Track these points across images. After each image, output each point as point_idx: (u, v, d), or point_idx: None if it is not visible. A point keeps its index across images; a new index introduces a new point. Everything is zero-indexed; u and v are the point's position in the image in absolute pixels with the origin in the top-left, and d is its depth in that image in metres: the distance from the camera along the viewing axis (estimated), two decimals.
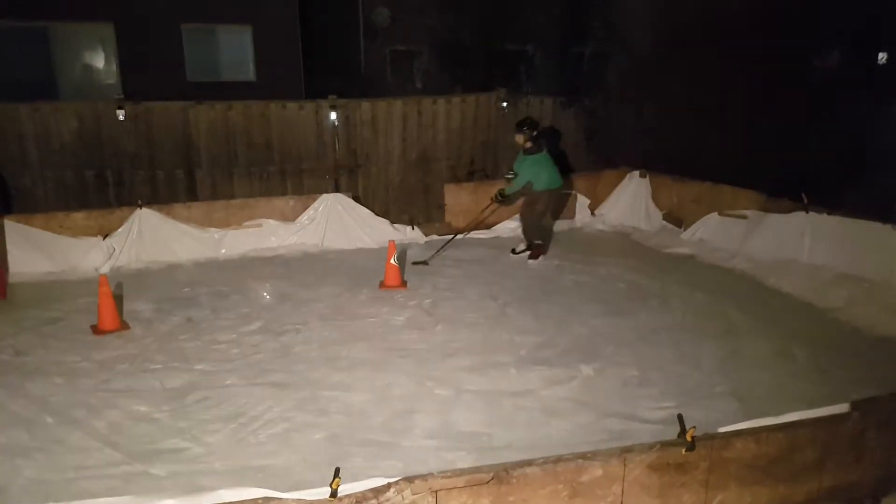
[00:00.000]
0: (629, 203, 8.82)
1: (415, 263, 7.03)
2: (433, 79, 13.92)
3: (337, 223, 7.94)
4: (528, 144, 7.18)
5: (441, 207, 8.71)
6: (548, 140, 7.62)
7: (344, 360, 4.92)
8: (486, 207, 7.71)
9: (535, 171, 7.14)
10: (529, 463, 2.68)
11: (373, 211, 8.21)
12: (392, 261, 6.42)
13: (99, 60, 13.74)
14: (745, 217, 7.32)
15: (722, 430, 2.93)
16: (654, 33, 9.26)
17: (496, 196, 7.44)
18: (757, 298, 6.08)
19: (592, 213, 9.03)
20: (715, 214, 7.69)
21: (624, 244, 8.24)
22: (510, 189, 7.30)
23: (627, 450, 2.77)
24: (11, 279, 6.41)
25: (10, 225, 6.70)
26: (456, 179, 8.92)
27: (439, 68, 13.65)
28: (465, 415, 4.11)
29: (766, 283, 6.42)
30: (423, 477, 2.57)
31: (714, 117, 8.37)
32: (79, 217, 7.10)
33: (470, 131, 9.10)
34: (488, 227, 8.49)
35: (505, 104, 9.15)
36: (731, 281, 6.62)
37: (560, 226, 8.69)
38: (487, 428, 3.96)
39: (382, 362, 4.86)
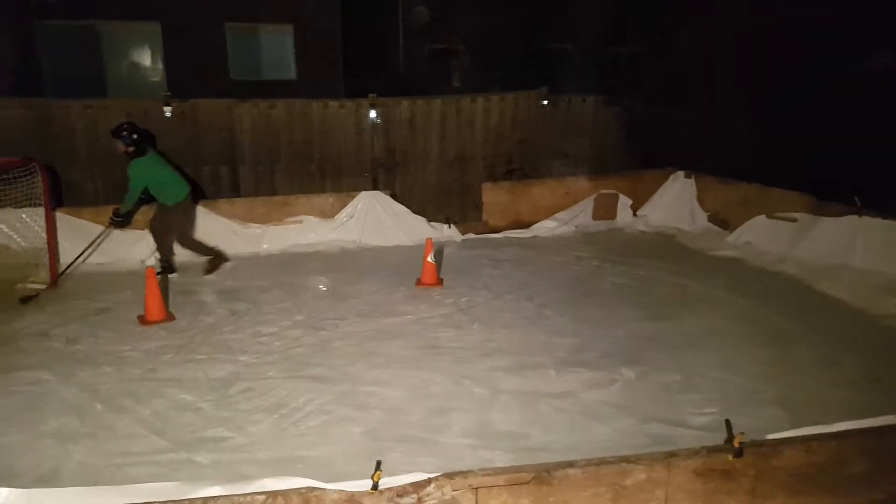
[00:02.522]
0: (673, 204, 8.66)
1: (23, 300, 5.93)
2: (472, 77, 13.90)
3: (375, 221, 8.00)
4: (131, 149, 6.49)
5: (478, 206, 8.70)
6: (151, 143, 7.02)
7: (381, 356, 4.95)
8: (101, 234, 6.92)
9: (148, 176, 6.52)
10: (571, 464, 2.65)
11: (410, 209, 8.24)
12: (429, 259, 6.44)
13: (145, 58, 14.11)
14: (794, 220, 7.12)
15: (770, 437, 2.85)
16: (699, 31, 9.07)
17: (112, 218, 6.71)
18: (805, 304, 5.90)
19: (634, 214, 8.90)
20: (763, 217, 7.50)
21: (667, 246, 8.07)
22: (126, 205, 6.58)
23: (672, 454, 2.72)
24: (61, 270, 6.62)
25: (60, 217, 6.92)
26: (493, 178, 8.88)
27: (478, 67, 13.62)
28: (502, 415, 4.10)
29: (815, 288, 6.23)
30: (464, 474, 2.57)
31: (762, 117, 8.14)
32: None
33: (508, 130, 9.04)
34: (526, 226, 8.44)
35: (546, 102, 9.07)
36: (778, 285, 6.44)
37: (600, 226, 8.59)
38: (525, 428, 3.94)
39: (419, 359, 4.88)
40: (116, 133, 6.49)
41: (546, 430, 3.91)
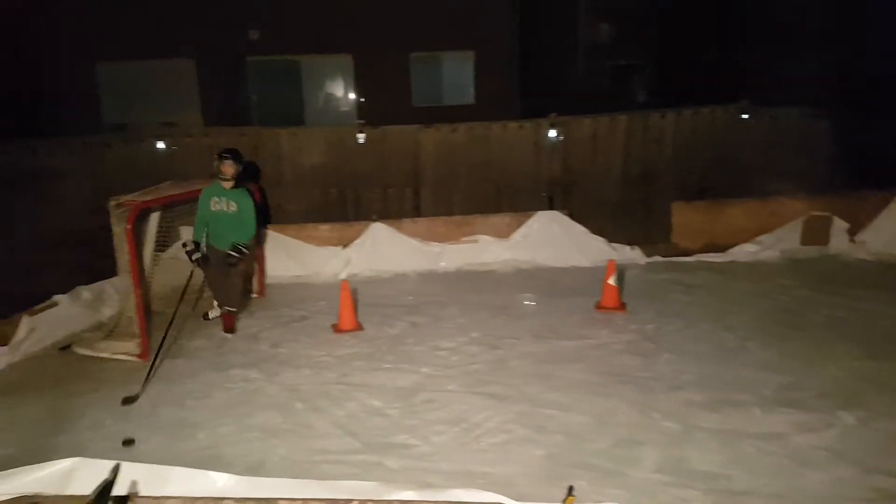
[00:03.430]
0: None
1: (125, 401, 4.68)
2: (658, 92, 13.29)
3: (550, 241, 7.87)
4: (236, 178, 5.81)
5: (665, 227, 8.19)
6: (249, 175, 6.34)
7: (560, 378, 4.82)
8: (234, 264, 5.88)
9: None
10: None
11: (588, 229, 8.00)
12: (611, 281, 6.17)
13: (339, 89, 15.37)
14: None
15: None
16: None
17: (233, 255, 5.77)
18: None
19: (851, 240, 7.79)
20: None
21: (891, 276, 6.98)
22: (248, 235, 5.84)
23: None
24: (268, 280, 7.33)
25: (268, 234, 7.70)
26: (684, 197, 8.32)
27: (665, 81, 13.00)
28: (698, 453, 3.79)
29: None
30: None
31: None
32: (324, 229, 7.93)
33: (702, 146, 8.47)
34: (722, 249, 7.76)
35: (746, 116, 8.36)
36: None
37: (809, 252, 7.63)
38: (725, 469, 3.62)
39: (601, 386, 4.67)
40: (234, 155, 5.84)
41: (750, 474, 3.58)
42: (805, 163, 8.28)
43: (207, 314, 6.30)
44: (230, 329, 5.97)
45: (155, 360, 5.12)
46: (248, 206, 5.83)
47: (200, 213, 5.84)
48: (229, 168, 5.76)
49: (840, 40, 10.08)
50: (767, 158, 8.35)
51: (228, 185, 5.79)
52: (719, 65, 11.97)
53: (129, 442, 4.12)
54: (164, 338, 5.31)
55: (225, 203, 5.78)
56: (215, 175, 5.81)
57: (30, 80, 11.20)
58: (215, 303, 6.20)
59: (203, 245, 5.80)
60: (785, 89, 9.82)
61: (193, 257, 5.73)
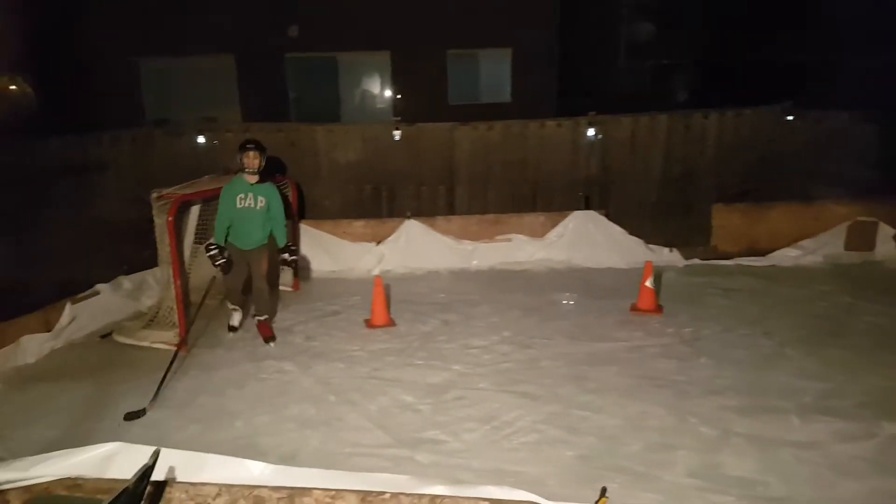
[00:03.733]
0: None
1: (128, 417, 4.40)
2: (700, 92, 12.99)
3: (586, 241, 7.80)
4: (258, 176, 5.46)
5: (704, 229, 8.02)
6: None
7: (593, 381, 4.77)
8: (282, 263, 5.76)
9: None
10: None
11: (626, 230, 7.90)
12: (647, 283, 6.09)
13: (375, 86, 15.44)
14: None
15: None
16: None
17: (287, 257, 5.63)
18: None
19: None
20: None
21: None
22: (284, 230, 5.58)
23: None
24: (302, 275, 7.41)
25: (304, 228, 7.81)
26: (725, 199, 8.14)
27: (708, 81, 12.70)
28: (733, 458, 3.73)
29: None
30: None
31: None
32: (359, 225, 8.01)
33: (745, 147, 8.22)
34: (762, 253, 7.59)
35: (791, 118, 8.11)
36: None
37: (853, 258, 7.42)
38: (761, 476, 3.57)
39: (635, 389, 4.62)
40: (258, 145, 5.48)
41: (786, 481, 3.51)
42: (851, 167, 8.03)
43: (233, 325, 5.93)
44: (269, 337, 5.66)
45: (165, 375, 4.81)
46: (279, 201, 5.58)
47: (223, 213, 5.44)
48: (255, 159, 5.35)
49: (889, 42, 9.75)
50: (812, 161, 8.10)
51: (254, 179, 5.42)
52: (763, 65, 11.68)
53: (132, 416, 4.36)
54: (173, 359, 5.00)
55: (252, 199, 5.42)
56: (240, 169, 5.45)
57: (78, 76, 11.54)
58: (229, 304, 5.95)
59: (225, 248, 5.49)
60: (831, 91, 9.55)
61: (217, 262, 5.32)
